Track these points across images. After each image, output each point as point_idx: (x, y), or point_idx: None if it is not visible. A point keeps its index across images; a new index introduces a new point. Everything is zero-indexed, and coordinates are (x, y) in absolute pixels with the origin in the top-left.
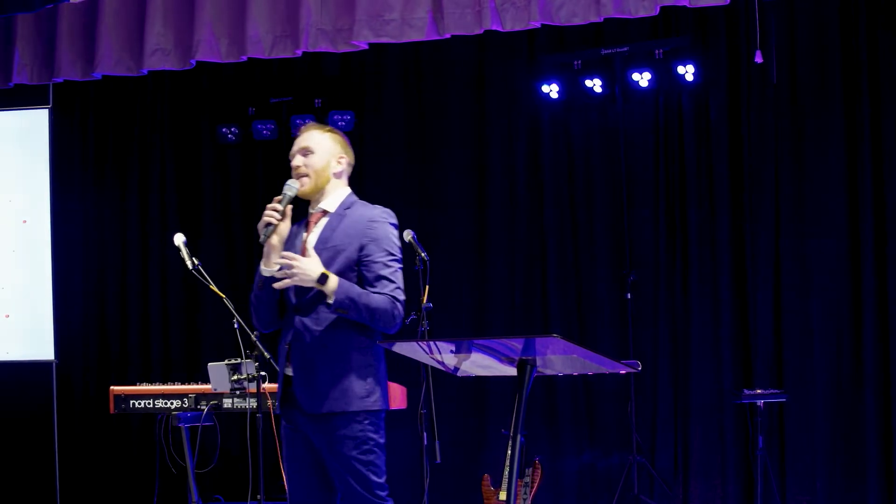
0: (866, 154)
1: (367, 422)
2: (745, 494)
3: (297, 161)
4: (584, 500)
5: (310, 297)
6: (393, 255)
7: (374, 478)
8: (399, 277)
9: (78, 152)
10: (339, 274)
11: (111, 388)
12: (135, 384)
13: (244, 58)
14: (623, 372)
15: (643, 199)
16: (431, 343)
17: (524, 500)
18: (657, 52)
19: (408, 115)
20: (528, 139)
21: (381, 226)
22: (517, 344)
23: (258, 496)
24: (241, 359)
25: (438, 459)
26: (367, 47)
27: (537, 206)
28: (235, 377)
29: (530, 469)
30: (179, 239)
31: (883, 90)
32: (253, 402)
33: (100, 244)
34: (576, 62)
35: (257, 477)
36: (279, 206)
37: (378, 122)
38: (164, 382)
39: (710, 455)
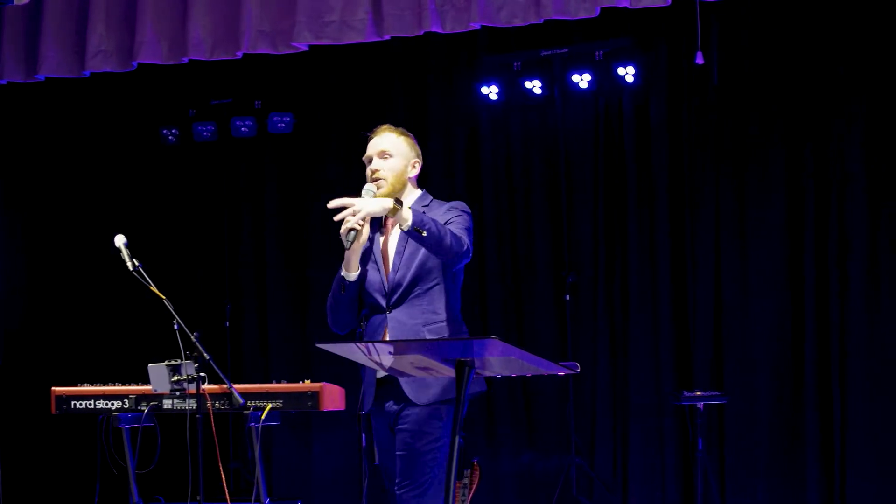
0: (808, 155)
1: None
2: (684, 497)
3: (376, 164)
4: (523, 501)
5: (400, 293)
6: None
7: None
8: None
9: (20, 153)
10: (430, 269)
11: (52, 388)
12: (76, 385)
13: (185, 60)
14: (562, 374)
15: (582, 200)
16: (370, 345)
17: (462, 501)
18: (597, 53)
19: (347, 116)
20: (468, 140)
21: (455, 211)
22: (455, 345)
23: (198, 497)
24: (181, 360)
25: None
26: (307, 49)
27: (476, 207)
28: (175, 378)
29: (469, 471)
30: (120, 240)
31: (826, 91)
32: (193, 403)
33: (42, 245)
34: (516, 63)
35: (197, 477)
36: (352, 212)
37: (318, 123)
38: (105, 383)
39: (649, 457)
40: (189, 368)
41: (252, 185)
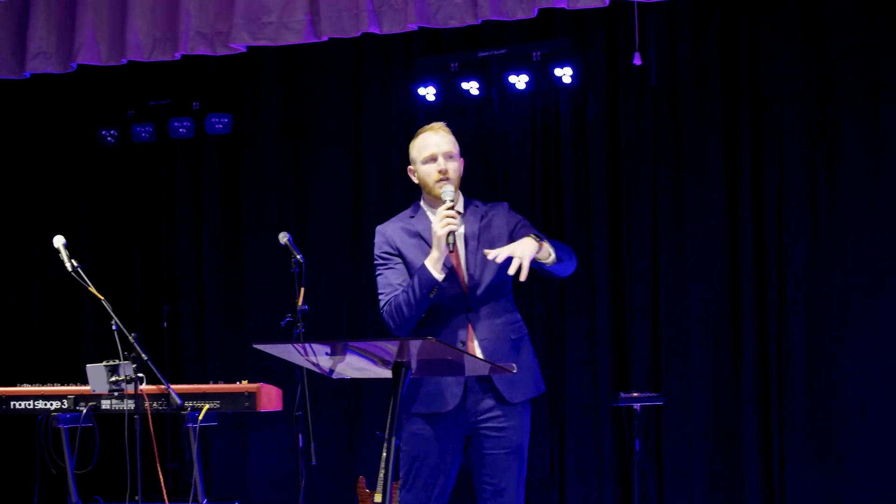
0: (745, 156)
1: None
2: (621, 498)
3: (446, 165)
4: (460, 500)
5: (482, 293)
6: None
7: None
8: None
9: None
10: (499, 268)
11: None
12: (15, 385)
13: (124, 61)
14: (499, 374)
15: (519, 201)
16: (307, 345)
17: (399, 502)
18: (535, 54)
19: (285, 117)
20: (405, 141)
21: (516, 217)
22: (392, 346)
23: (136, 497)
24: (120, 360)
25: (314, 461)
26: (244, 50)
27: None
28: (114, 378)
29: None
30: (59, 241)
31: (763, 91)
32: (131, 404)
33: None
34: (453, 64)
35: (135, 477)
36: (454, 213)
37: (255, 124)
38: (44, 384)
39: (586, 458)
40: (127, 369)
41: (190, 187)
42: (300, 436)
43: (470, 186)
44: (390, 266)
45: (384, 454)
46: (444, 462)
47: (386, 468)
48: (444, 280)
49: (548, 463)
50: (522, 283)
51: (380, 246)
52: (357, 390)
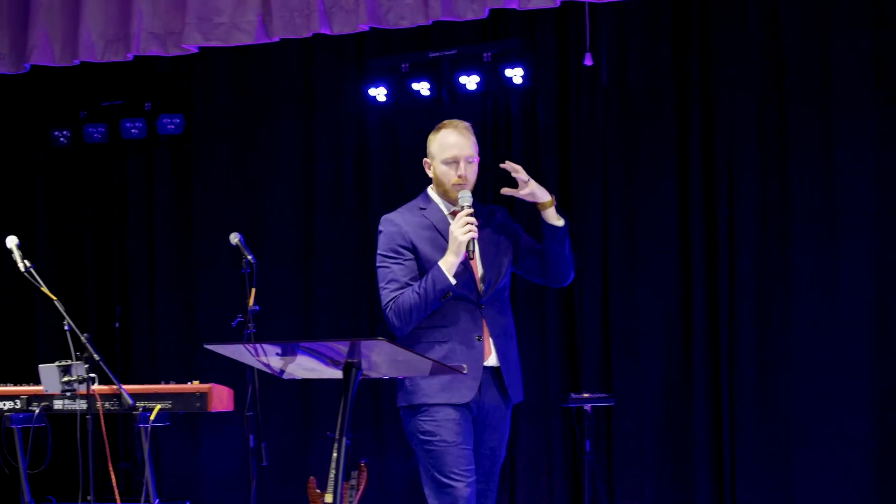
0: (696, 156)
1: None
2: (572, 499)
3: (466, 170)
4: (411, 502)
5: (493, 289)
6: None
7: None
8: None
9: None
10: (507, 270)
11: None
12: None
13: (77, 61)
14: (449, 375)
15: None
16: (257, 345)
17: (350, 502)
18: (485, 55)
19: (237, 118)
20: (356, 142)
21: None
22: (343, 347)
23: (88, 497)
24: (72, 361)
25: (265, 462)
26: (196, 51)
27: (363, 209)
28: (66, 378)
29: (356, 472)
30: (12, 241)
31: (714, 93)
32: (83, 404)
33: None
34: (403, 65)
35: (87, 478)
36: (474, 220)
37: (207, 125)
38: None
39: (536, 459)
40: (79, 369)
41: (142, 187)
42: (251, 436)
43: (420, 188)
44: (400, 261)
45: (335, 454)
46: (470, 454)
47: (337, 468)
48: (457, 280)
49: None
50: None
51: (392, 237)
52: (308, 391)
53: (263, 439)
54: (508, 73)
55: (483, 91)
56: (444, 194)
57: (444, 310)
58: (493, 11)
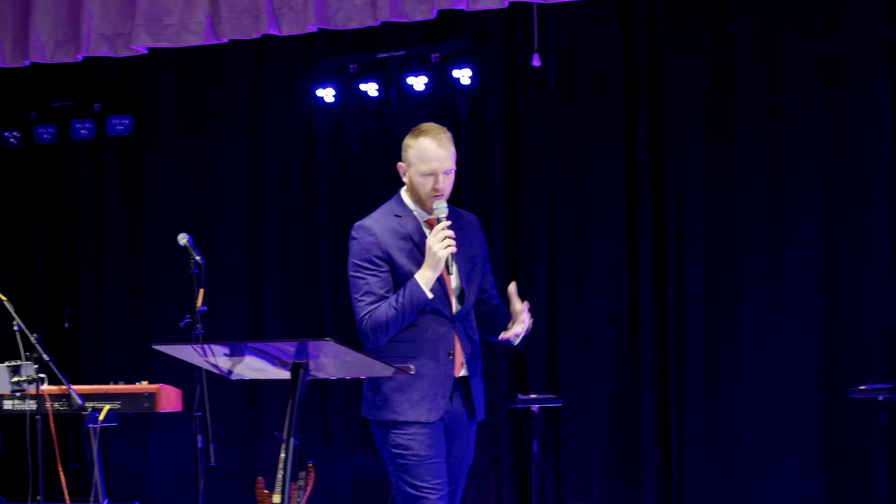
0: (644, 157)
1: None
2: (520, 499)
3: (444, 184)
4: (358, 503)
5: (465, 305)
6: None
7: None
8: None
9: None
10: (478, 284)
11: None
12: None
13: (27, 62)
14: (396, 375)
15: None
16: (206, 346)
17: (298, 502)
18: (433, 55)
19: (186, 118)
20: (304, 143)
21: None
22: (290, 347)
23: (38, 497)
24: (21, 361)
25: (213, 462)
26: (146, 51)
27: (312, 209)
28: (15, 379)
29: (304, 472)
30: None
31: (662, 93)
32: (33, 404)
33: None
34: (351, 66)
35: (37, 478)
36: (452, 233)
37: (156, 125)
38: None
39: (484, 460)
40: (29, 369)
41: (91, 188)
42: (199, 436)
43: (369, 189)
44: (376, 273)
45: (282, 455)
46: (443, 467)
47: (284, 469)
48: (433, 295)
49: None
50: None
51: (368, 248)
52: (255, 391)
53: (212, 440)
54: (456, 73)
55: (431, 92)
56: (417, 200)
57: (415, 324)
58: (441, 12)
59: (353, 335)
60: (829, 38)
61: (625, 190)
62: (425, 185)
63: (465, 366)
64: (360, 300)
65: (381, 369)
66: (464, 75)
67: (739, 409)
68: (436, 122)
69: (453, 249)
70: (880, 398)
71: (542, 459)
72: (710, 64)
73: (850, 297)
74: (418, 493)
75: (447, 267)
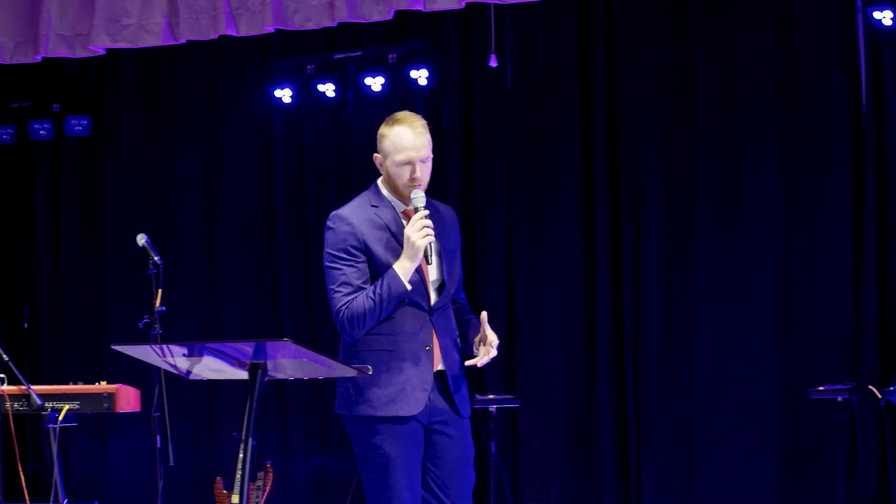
0: (601, 157)
1: None
2: (477, 500)
3: (421, 173)
4: (316, 503)
5: (443, 298)
6: None
7: None
8: None
9: None
10: (458, 276)
11: None
12: None
13: None
14: (354, 376)
15: None
16: (164, 346)
17: (256, 503)
18: (390, 56)
19: (144, 119)
20: (261, 143)
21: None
22: (248, 348)
23: None
24: None
25: (172, 462)
26: (104, 52)
27: (269, 210)
28: None
29: (262, 472)
30: None
31: (619, 94)
32: None
33: None
34: (309, 67)
35: None
36: (430, 222)
37: (115, 126)
38: None
39: None
40: None
41: (50, 188)
42: (158, 437)
43: (326, 189)
44: (353, 264)
45: (241, 455)
46: (416, 469)
47: (243, 469)
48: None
49: None
50: None
51: (344, 238)
52: (214, 392)
53: (171, 440)
54: (414, 74)
55: (388, 92)
56: (395, 191)
57: (392, 317)
58: (398, 13)
59: (310, 335)
60: (785, 41)
61: (581, 191)
62: (402, 175)
63: (441, 358)
64: (336, 291)
65: (340, 370)
66: (421, 76)
67: (698, 410)
68: None
69: (432, 239)
70: (839, 399)
71: (500, 460)
72: (666, 64)
73: (807, 298)
74: (387, 495)
75: (426, 257)
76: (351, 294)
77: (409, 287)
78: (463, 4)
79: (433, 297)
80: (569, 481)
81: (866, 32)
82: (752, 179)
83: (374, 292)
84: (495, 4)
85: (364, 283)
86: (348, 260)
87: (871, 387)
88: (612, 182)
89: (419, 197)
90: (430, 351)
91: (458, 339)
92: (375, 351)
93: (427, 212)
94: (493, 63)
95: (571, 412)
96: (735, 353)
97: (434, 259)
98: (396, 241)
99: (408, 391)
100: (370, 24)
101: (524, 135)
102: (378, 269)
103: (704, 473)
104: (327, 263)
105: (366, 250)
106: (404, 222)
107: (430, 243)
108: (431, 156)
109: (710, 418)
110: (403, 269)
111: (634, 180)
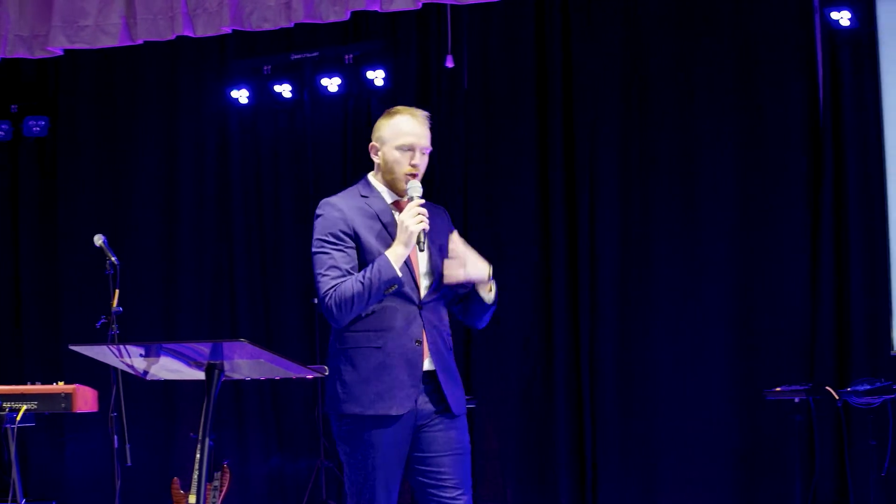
0: (558, 158)
1: None
2: None
3: (418, 160)
4: (273, 503)
5: (434, 292)
6: None
7: None
8: None
9: None
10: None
11: None
12: None
13: None
14: (310, 377)
15: None
16: (121, 346)
17: (213, 503)
18: (347, 56)
19: (102, 120)
20: (218, 144)
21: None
22: (205, 348)
23: None
24: None
25: (129, 462)
26: (62, 53)
27: (226, 210)
28: None
29: (219, 473)
30: None
31: (575, 95)
32: None
33: None
34: (266, 67)
35: None
36: (424, 210)
37: (73, 127)
38: None
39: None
40: None
41: (7, 189)
42: (115, 437)
43: (282, 189)
44: (341, 248)
45: (198, 455)
46: (397, 471)
47: (200, 469)
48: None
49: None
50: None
51: (334, 222)
52: (171, 392)
53: (128, 440)
54: (370, 75)
55: (345, 93)
56: (390, 183)
57: (380, 311)
58: (355, 13)
59: (267, 336)
60: (741, 42)
61: (538, 191)
62: (402, 162)
63: (429, 355)
64: (323, 275)
65: (295, 370)
66: (377, 76)
67: (654, 411)
68: (349, 123)
69: (426, 226)
70: (796, 400)
71: None
72: (624, 65)
73: (764, 299)
74: (369, 496)
75: (418, 245)
76: (339, 278)
77: (399, 273)
78: (419, 5)
79: (423, 289)
80: (525, 482)
81: (824, 33)
82: (710, 181)
83: (363, 276)
84: (452, 5)
85: (352, 268)
86: (337, 244)
87: (827, 388)
88: (569, 183)
89: (415, 186)
90: (420, 347)
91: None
92: (363, 348)
93: (423, 200)
94: (450, 64)
95: (528, 413)
96: (692, 354)
97: (426, 246)
98: (387, 232)
99: (396, 389)
100: (327, 24)
101: (480, 136)
102: (366, 258)
103: (661, 475)
104: (315, 249)
105: (355, 237)
106: (395, 214)
107: (423, 231)
108: (430, 149)
109: (667, 420)
110: (396, 254)
111: (590, 181)
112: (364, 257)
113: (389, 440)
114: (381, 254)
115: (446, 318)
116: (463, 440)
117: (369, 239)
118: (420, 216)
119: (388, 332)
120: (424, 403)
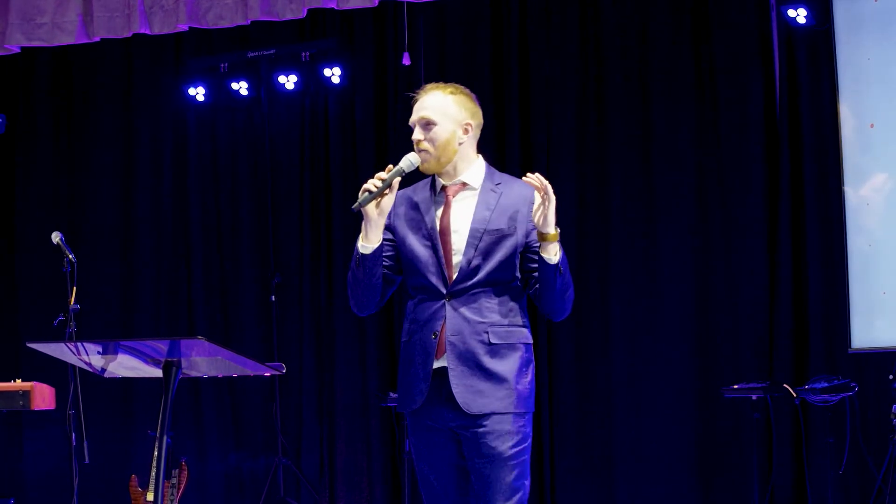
0: (515, 155)
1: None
2: (392, 497)
3: (417, 135)
4: (231, 501)
5: (468, 281)
6: None
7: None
8: None
9: None
10: (504, 261)
11: None
12: None
13: None
14: (268, 374)
15: (289, 201)
16: (79, 344)
17: (171, 501)
18: (304, 54)
19: (58, 117)
20: (175, 142)
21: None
22: (162, 346)
23: None
24: None
25: (87, 460)
26: (19, 51)
27: (183, 208)
28: None
29: (177, 470)
30: None
31: (532, 91)
32: None
33: None
34: (222, 65)
35: None
36: (385, 176)
37: (30, 125)
38: None
39: (356, 457)
40: None
41: None
42: (73, 434)
43: (239, 187)
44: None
45: (156, 453)
46: (444, 469)
47: (158, 467)
48: (413, 253)
49: (318, 462)
50: (280, 282)
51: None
52: (129, 389)
53: (86, 437)
54: (327, 72)
55: (301, 91)
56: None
57: (418, 304)
58: (311, 11)
59: (224, 334)
60: (700, 37)
61: None
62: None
63: (447, 351)
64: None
65: (253, 367)
66: (334, 74)
67: (612, 410)
68: (306, 121)
69: (365, 187)
70: (754, 398)
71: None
72: (581, 61)
73: (722, 296)
74: (426, 492)
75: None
76: None
77: (363, 251)
78: (376, 3)
79: (451, 277)
80: None
81: (781, 30)
82: (668, 179)
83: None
84: (408, 3)
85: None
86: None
87: (785, 385)
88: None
89: (405, 158)
90: (435, 340)
91: (488, 330)
92: (402, 343)
93: (390, 167)
94: (406, 61)
95: None
96: (650, 352)
97: (369, 209)
98: (419, 220)
99: (412, 384)
100: (283, 22)
101: None
102: (401, 249)
103: (619, 473)
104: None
105: (392, 228)
106: (432, 199)
107: (367, 192)
108: (438, 118)
109: (625, 418)
110: (363, 230)
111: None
112: (399, 247)
113: (423, 437)
114: (405, 243)
115: (494, 312)
116: (481, 447)
117: (402, 229)
118: (372, 181)
119: (415, 324)
120: (437, 404)
